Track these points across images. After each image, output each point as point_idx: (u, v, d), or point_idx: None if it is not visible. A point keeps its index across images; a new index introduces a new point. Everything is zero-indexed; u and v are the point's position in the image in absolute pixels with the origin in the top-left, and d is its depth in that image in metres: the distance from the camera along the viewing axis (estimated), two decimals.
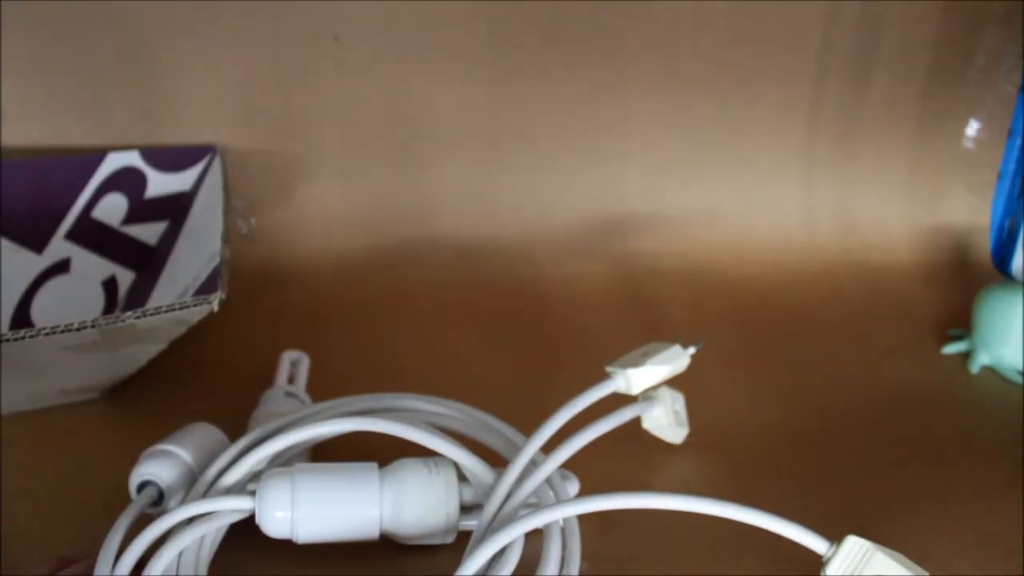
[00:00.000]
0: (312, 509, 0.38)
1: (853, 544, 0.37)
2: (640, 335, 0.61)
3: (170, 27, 0.63)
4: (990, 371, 0.57)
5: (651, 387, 0.45)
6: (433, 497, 0.40)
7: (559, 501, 0.40)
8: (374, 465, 0.40)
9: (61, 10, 0.62)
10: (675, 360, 0.45)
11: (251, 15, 0.63)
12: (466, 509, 0.41)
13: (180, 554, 0.37)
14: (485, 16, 0.65)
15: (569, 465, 0.42)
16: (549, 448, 0.41)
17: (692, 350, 0.47)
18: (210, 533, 0.39)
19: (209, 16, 0.63)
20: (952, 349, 0.59)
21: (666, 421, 0.48)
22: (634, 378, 0.44)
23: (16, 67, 0.62)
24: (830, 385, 0.56)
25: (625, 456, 0.48)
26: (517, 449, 0.41)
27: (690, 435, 0.50)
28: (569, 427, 0.42)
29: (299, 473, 0.39)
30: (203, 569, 0.38)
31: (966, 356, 0.58)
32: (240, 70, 0.65)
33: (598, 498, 0.38)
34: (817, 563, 0.37)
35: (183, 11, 0.63)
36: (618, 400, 0.45)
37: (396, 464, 0.41)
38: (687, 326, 0.62)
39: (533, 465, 0.41)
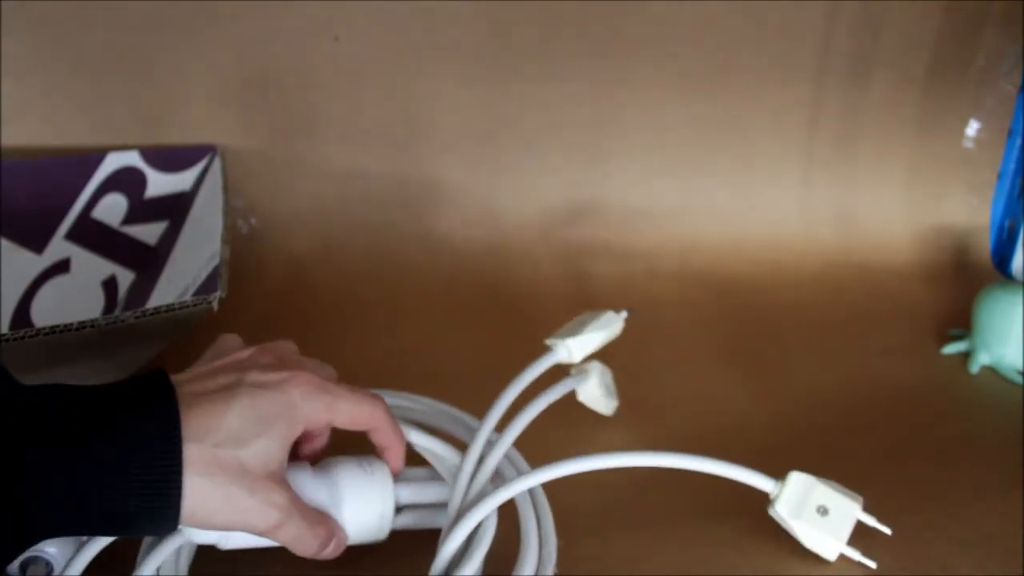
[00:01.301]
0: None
1: (797, 479, 0.40)
2: (639, 335, 0.61)
3: (170, 27, 0.63)
4: (990, 371, 0.57)
5: (591, 354, 0.47)
6: (368, 499, 0.39)
7: (520, 473, 0.41)
8: (306, 465, 0.39)
9: (61, 10, 0.62)
10: (609, 326, 0.47)
11: (251, 15, 0.63)
12: (400, 509, 0.41)
13: (158, 569, 0.38)
14: (485, 16, 0.65)
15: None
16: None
17: (624, 314, 0.48)
18: (185, 544, 0.39)
19: (209, 16, 0.63)
20: (952, 349, 0.59)
21: (599, 392, 0.49)
22: (574, 346, 0.46)
23: (16, 67, 0.62)
24: (830, 385, 0.56)
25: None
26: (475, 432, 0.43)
27: (690, 435, 0.50)
28: (522, 405, 0.43)
29: None
30: (183, 569, 0.38)
31: (966, 356, 0.58)
32: (240, 70, 0.65)
33: (557, 465, 0.39)
34: None
35: (183, 11, 0.63)
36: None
37: (329, 463, 0.40)
38: (687, 325, 0.62)
39: (491, 445, 0.42)
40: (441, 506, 0.41)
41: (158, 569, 0.38)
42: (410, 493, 0.41)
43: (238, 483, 0.33)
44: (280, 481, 0.35)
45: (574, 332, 0.47)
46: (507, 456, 0.42)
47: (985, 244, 0.62)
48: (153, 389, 0.33)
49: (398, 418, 0.42)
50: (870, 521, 0.40)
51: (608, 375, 0.50)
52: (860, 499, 0.40)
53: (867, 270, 0.69)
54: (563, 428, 0.48)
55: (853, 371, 0.57)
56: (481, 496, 0.39)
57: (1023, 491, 0.46)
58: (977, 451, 0.49)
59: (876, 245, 0.70)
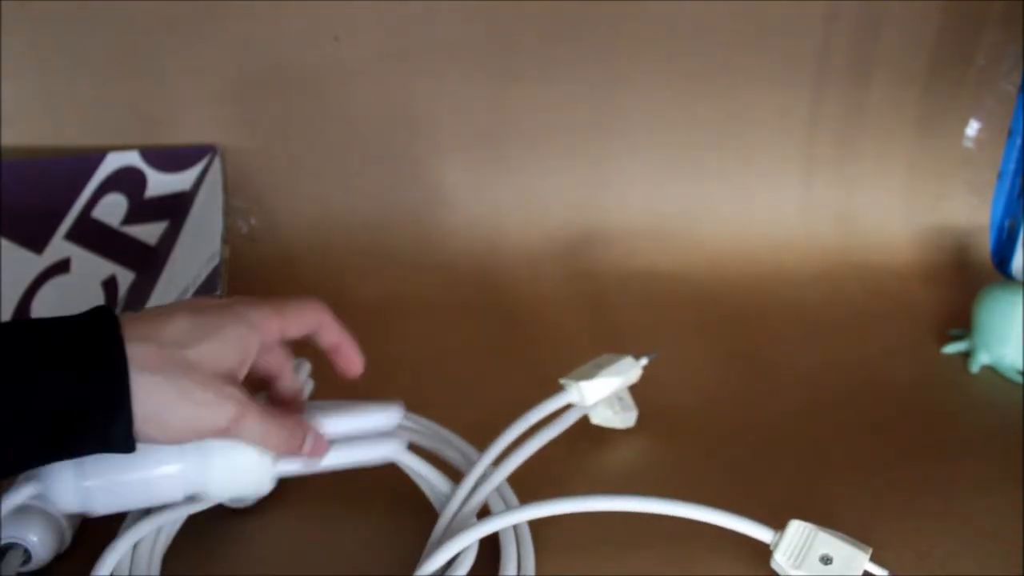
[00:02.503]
0: (104, 478, 0.36)
1: (796, 528, 0.38)
2: (640, 336, 0.61)
3: (170, 27, 0.63)
4: (990, 371, 0.57)
5: (604, 397, 0.46)
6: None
7: (509, 507, 0.41)
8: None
9: (61, 10, 0.62)
10: (627, 371, 0.47)
11: (251, 15, 0.63)
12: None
13: (130, 569, 0.38)
14: (485, 16, 0.65)
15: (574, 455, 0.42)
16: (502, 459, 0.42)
17: (644, 361, 0.48)
18: (167, 525, 0.39)
19: (209, 16, 0.63)
20: (952, 349, 0.59)
21: (612, 412, 0.49)
22: (587, 390, 0.45)
23: (16, 67, 0.63)
24: (830, 384, 0.56)
25: (628, 456, 0.49)
26: (471, 462, 0.42)
27: (691, 434, 0.50)
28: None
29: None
30: (155, 568, 0.38)
31: (966, 356, 0.58)
32: (240, 70, 0.65)
33: (546, 504, 0.39)
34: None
35: (183, 11, 0.63)
36: None
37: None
38: (687, 325, 0.62)
39: (486, 477, 0.42)
40: (368, 437, 0.40)
41: (130, 569, 0.38)
42: (338, 425, 0.40)
43: (189, 377, 0.33)
44: (234, 380, 0.35)
45: (588, 375, 0.46)
46: (497, 489, 0.42)
47: (985, 244, 0.62)
48: (91, 311, 0.34)
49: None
50: (883, 574, 0.38)
51: (622, 389, 0.49)
52: (869, 550, 0.38)
53: (867, 270, 0.69)
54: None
55: (853, 371, 0.57)
56: (463, 527, 0.39)
57: (1022, 489, 0.46)
58: (977, 450, 0.50)
59: (876, 245, 0.70)
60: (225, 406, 0.34)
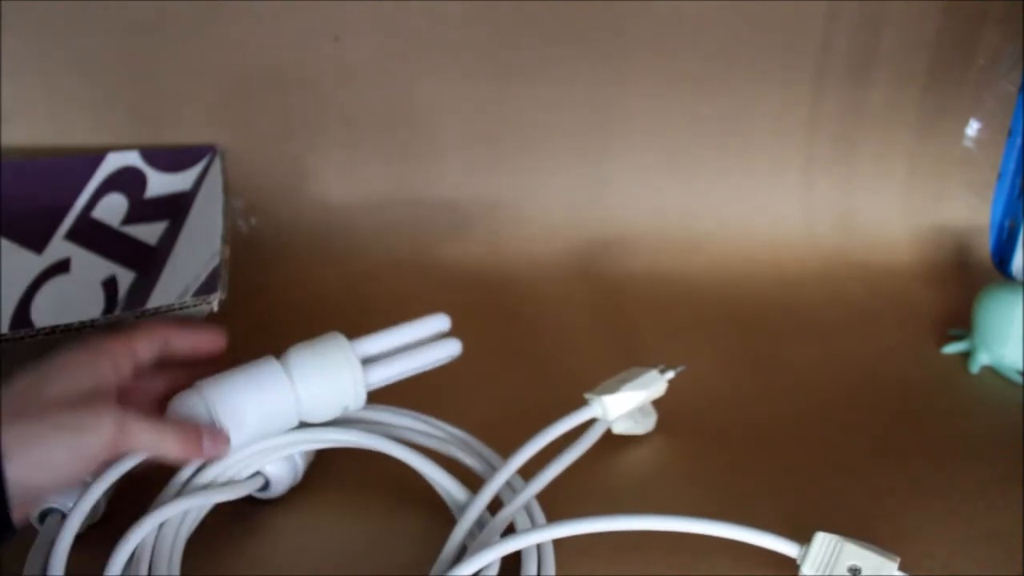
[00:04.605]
0: (230, 419, 0.39)
1: (822, 540, 0.38)
2: (639, 336, 0.61)
3: (170, 27, 0.63)
4: (990, 371, 0.57)
5: (627, 412, 0.46)
6: (331, 361, 0.41)
7: (535, 526, 0.40)
8: (271, 358, 0.41)
9: (61, 10, 0.62)
10: (651, 385, 0.47)
11: (251, 15, 0.63)
12: (368, 361, 0.42)
13: (150, 568, 0.38)
14: (486, 16, 0.65)
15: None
16: (525, 471, 0.42)
17: (671, 374, 0.48)
18: (193, 510, 0.40)
19: (209, 16, 0.63)
20: (952, 349, 0.59)
21: (633, 422, 0.49)
22: (610, 404, 0.45)
23: (16, 67, 0.63)
24: (830, 384, 0.56)
25: (633, 458, 0.49)
26: (493, 469, 0.42)
27: (689, 433, 0.50)
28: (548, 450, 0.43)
29: (207, 388, 0.39)
30: (178, 553, 0.39)
31: (966, 356, 0.58)
32: (240, 70, 0.65)
33: (572, 523, 0.38)
34: None
35: (183, 11, 0.63)
36: None
37: (291, 352, 0.41)
38: (687, 325, 0.62)
39: (509, 487, 0.42)
40: (403, 349, 0.43)
41: (150, 568, 0.38)
42: (373, 345, 0.43)
43: (57, 408, 0.34)
44: (103, 397, 0.35)
45: (612, 389, 0.46)
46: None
47: (985, 244, 0.62)
48: None
49: (412, 443, 0.43)
50: None
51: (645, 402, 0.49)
52: (897, 559, 0.37)
53: (867, 270, 0.69)
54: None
55: (853, 371, 0.57)
56: (487, 543, 0.38)
57: (1023, 489, 0.46)
58: (977, 450, 0.50)
59: (876, 245, 0.70)
60: (102, 421, 0.34)
